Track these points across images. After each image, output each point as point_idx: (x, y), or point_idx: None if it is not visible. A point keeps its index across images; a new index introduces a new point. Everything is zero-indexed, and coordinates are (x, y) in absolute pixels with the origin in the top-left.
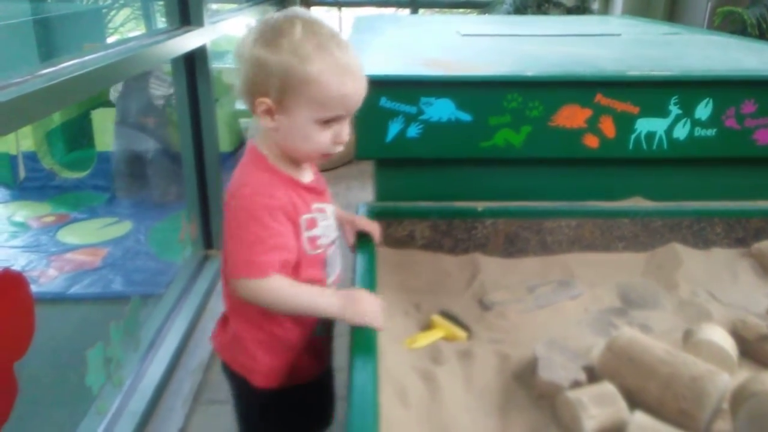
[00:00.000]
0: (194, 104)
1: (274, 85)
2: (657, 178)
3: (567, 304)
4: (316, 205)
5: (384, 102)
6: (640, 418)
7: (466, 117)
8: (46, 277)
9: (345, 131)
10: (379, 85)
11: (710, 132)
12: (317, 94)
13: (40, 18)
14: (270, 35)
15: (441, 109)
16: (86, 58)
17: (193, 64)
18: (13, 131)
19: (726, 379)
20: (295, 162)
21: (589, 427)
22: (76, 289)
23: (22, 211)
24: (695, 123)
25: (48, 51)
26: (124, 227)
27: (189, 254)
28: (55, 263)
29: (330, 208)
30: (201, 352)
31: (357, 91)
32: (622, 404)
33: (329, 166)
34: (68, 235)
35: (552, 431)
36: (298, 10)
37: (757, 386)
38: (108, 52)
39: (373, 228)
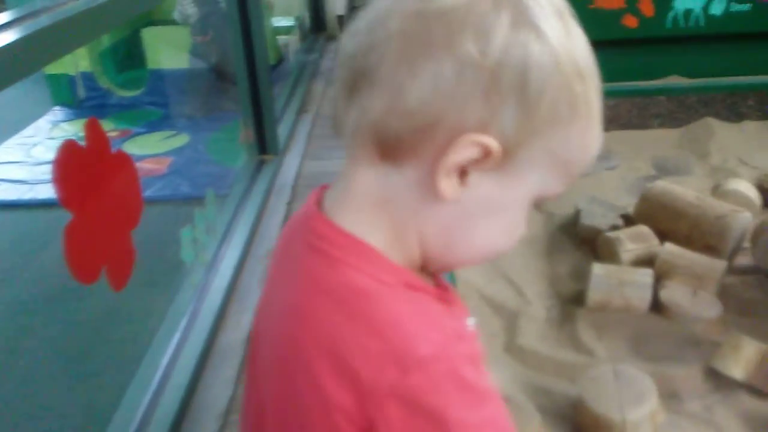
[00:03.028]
0: (244, 16)
1: (520, 111)
2: (693, 56)
3: (604, 173)
4: (471, 324)
5: None
6: (669, 247)
7: None
8: None
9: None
10: None
11: (745, 7)
12: (579, 147)
13: None
14: (516, 4)
15: None
16: None
17: None
18: (67, 53)
19: (748, 216)
20: (418, 266)
21: (626, 258)
22: (149, 193)
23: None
24: None
25: None
26: (182, 139)
27: (246, 159)
28: None
29: None
30: (266, 243)
31: None
32: (655, 241)
33: None
34: (133, 147)
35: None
36: None
37: None
38: None
39: None
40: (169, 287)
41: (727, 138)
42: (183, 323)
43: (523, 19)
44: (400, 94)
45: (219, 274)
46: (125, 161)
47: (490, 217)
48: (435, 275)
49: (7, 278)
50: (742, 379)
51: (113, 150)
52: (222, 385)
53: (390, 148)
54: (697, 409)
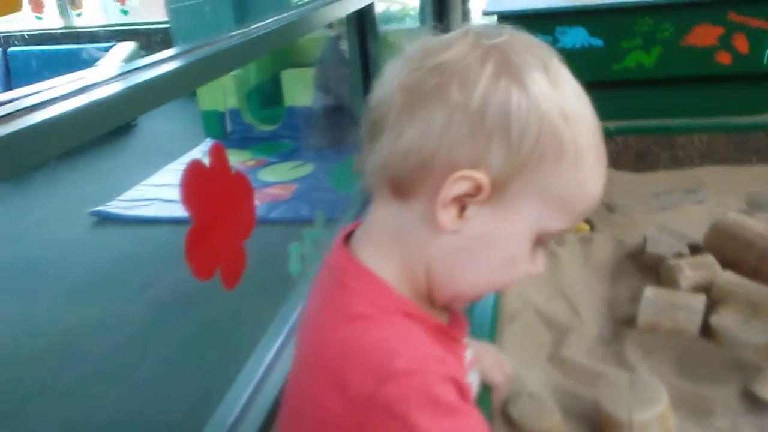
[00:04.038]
0: (365, 57)
1: (505, 150)
2: None
3: (691, 207)
4: (468, 363)
5: None
6: (727, 275)
7: (598, 43)
8: None
9: (542, 260)
10: (518, 19)
11: None
12: (573, 184)
13: None
14: (501, 59)
15: (575, 37)
16: (271, 19)
17: (363, 20)
18: (215, 78)
19: None
20: (428, 298)
21: (684, 285)
22: (274, 215)
23: (232, 158)
24: None
25: (242, 17)
26: (308, 168)
27: (360, 186)
28: (258, 195)
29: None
30: None
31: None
32: (717, 269)
33: None
34: (266, 175)
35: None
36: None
37: None
38: (290, 13)
39: (499, 382)
40: (277, 296)
41: None
42: (287, 328)
43: (506, 71)
44: (399, 138)
45: None
46: (242, 181)
47: (489, 250)
48: (451, 310)
49: (153, 282)
50: None
51: (240, 172)
52: None
53: (397, 186)
54: (724, 425)
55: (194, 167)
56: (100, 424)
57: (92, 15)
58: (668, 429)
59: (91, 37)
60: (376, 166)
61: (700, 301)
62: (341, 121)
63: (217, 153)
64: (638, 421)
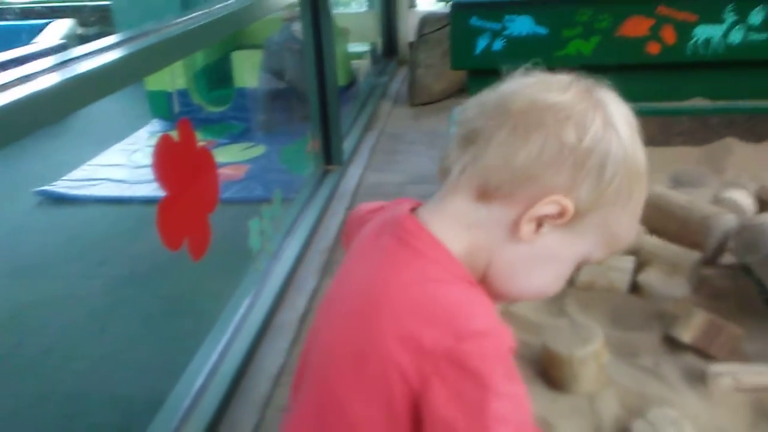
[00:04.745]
0: (318, 39)
1: (594, 186)
2: (714, 80)
3: None
4: None
5: (474, 21)
6: (652, 240)
7: (542, 31)
8: None
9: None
10: (471, 7)
11: (763, 36)
12: (625, 226)
13: None
14: (606, 113)
15: (521, 25)
16: (219, 5)
17: (317, 2)
18: (165, 66)
19: (731, 218)
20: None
21: None
22: (227, 195)
23: None
24: (749, 28)
25: (187, 2)
26: (259, 149)
27: (312, 168)
28: None
29: None
30: (325, 240)
31: None
32: (645, 235)
33: (439, 97)
34: (217, 156)
35: None
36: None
37: (753, 221)
38: None
39: None
40: (237, 271)
41: (744, 156)
42: (247, 301)
43: (610, 122)
44: (512, 155)
45: (281, 263)
46: (206, 155)
47: (549, 265)
48: None
49: (108, 259)
50: (689, 342)
51: (205, 147)
52: (276, 354)
53: (488, 192)
54: (647, 364)
55: (164, 141)
56: (63, 395)
57: None
58: (602, 364)
59: (27, 13)
60: (472, 170)
61: (629, 263)
62: (290, 103)
63: (184, 129)
64: (577, 357)
